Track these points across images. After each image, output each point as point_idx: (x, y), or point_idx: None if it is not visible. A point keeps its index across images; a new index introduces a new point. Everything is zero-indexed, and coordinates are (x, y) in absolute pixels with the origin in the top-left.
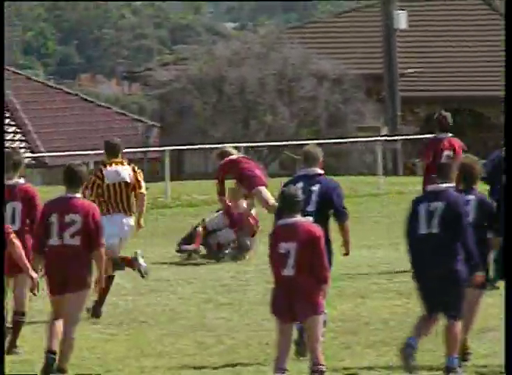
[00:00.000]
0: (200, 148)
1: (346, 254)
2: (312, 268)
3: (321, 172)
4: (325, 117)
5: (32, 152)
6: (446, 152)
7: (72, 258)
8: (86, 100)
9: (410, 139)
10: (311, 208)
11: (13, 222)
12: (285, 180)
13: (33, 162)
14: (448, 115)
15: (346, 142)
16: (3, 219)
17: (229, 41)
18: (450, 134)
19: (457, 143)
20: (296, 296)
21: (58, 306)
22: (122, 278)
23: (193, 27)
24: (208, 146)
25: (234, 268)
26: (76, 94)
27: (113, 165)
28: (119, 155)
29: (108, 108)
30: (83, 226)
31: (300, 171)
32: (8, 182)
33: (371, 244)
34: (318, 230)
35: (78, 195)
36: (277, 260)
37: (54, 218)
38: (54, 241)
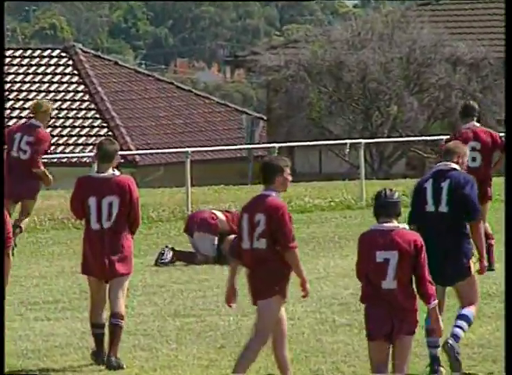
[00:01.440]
0: (314, 145)
1: (481, 272)
2: (411, 281)
3: (456, 167)
4: (460, 109)
5: (120, 149)
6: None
7: (259, 264)
8: (182, 89)
9: None
10: (442, 208)
11: (109, 218)
12: (412, 181)
13: (122, 160)
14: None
15: None
16: (3, 218)
17: (349, 21)
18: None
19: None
20: (397, 312)
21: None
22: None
23: (307, 5)
24: (323, 142)
25: (353, 284)
26: (171, 82)
27: None
28: None
29: (208, 97)
30: (267, 227)
31: (435, 166)
32: (103, 175)
33: None
34: (419, 238)
35: (273, 194)
36: (373, 271)
37: (245, 218)
38: (245, 244)
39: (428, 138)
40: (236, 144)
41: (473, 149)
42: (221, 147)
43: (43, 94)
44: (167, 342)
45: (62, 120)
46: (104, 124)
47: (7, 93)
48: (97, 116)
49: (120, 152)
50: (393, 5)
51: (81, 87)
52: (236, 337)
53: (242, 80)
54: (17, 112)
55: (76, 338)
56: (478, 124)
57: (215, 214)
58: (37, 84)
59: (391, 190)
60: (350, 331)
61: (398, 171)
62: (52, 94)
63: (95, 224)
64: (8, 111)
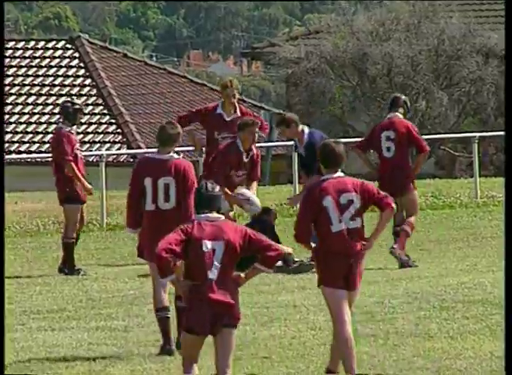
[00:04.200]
0: None
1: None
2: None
3: None
4: (493, 104)
5: (129, 148)
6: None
7: (356, 246)
8: (195, 82)
9: None
10: None
11: (167, 200)
12: (441, 182)
13: (132, 160)
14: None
15: None
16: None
17: (373, 10)
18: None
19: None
20: (218, 303)
21: None
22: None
23: None
24: (346, 140)
25: (378, 292)
26: (184, 76)
27: None
28: None
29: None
30: (361, 204)
31: None
32: (161, 156)
33: None
34: (243, 226)
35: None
36: (203, 261)
37: (330, 200)
38: (335, 227)
39: (459, 135)
40: None
41: (387, 139)
42: None
43: (47, 88)
44: (180, 354)
45: None
46: (113, 120)
47: (8, 87)
48: (105, 111)
49: (129, 151)
50: None
51: (88, 81)
52: (254, 348)
53: (259, 74)
54: (19, 107)
55: (83, 350)
56: (400, 116)
57: None
58: (41, 78)
59: (212, 183)
60: (375, 342)
61: (426, 170)
62: (57, 88)
63: (150, 205)
64: (9, 107)
